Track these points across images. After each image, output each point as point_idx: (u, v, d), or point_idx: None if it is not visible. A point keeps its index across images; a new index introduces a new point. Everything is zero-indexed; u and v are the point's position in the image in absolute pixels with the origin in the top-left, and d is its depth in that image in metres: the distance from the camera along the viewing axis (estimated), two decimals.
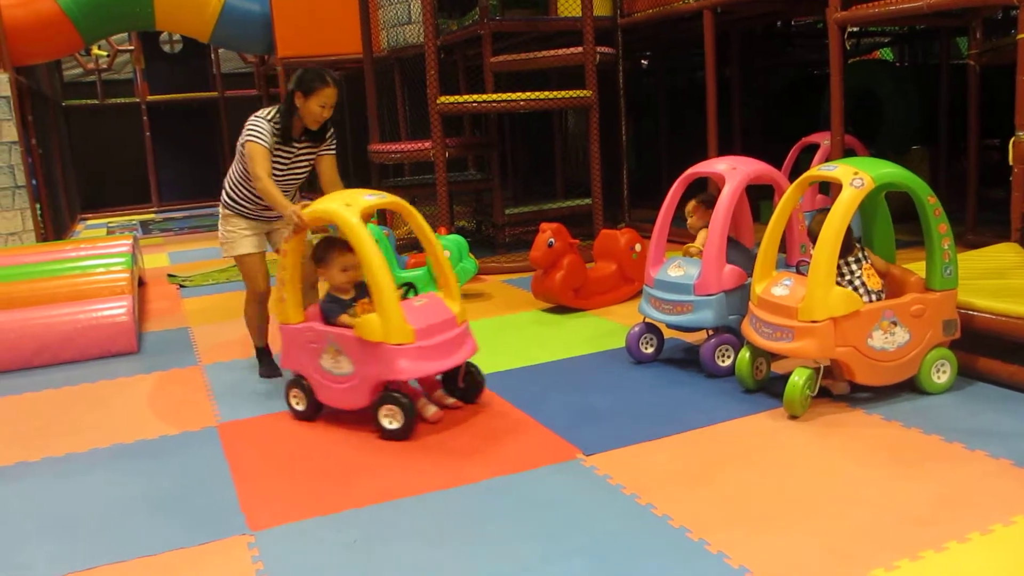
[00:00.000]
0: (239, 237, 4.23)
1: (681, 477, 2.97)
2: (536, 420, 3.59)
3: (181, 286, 7.47)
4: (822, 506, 2.70)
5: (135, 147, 15.43)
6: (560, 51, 7.09)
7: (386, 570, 2.50)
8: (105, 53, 15.20)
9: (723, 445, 3.23)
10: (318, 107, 3.96)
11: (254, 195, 4.11)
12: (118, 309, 5.24)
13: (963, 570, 2.29)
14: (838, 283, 3.50)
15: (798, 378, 3.38)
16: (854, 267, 3.56)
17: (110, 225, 13.27)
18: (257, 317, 4.37)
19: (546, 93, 6.88)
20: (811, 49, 10.96)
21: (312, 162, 4.20)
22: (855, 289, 3.51)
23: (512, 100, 6.76)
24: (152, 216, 14.65)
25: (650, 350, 4.28)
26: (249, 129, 3.98)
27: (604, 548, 2.53)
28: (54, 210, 10.52)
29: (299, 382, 3.73)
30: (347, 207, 3.54)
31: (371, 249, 3.43)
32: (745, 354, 3.71)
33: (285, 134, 4.01)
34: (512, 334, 5.09)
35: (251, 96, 14.78)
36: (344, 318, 3.59)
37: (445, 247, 5.87)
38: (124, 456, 3.53)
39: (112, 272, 5.90)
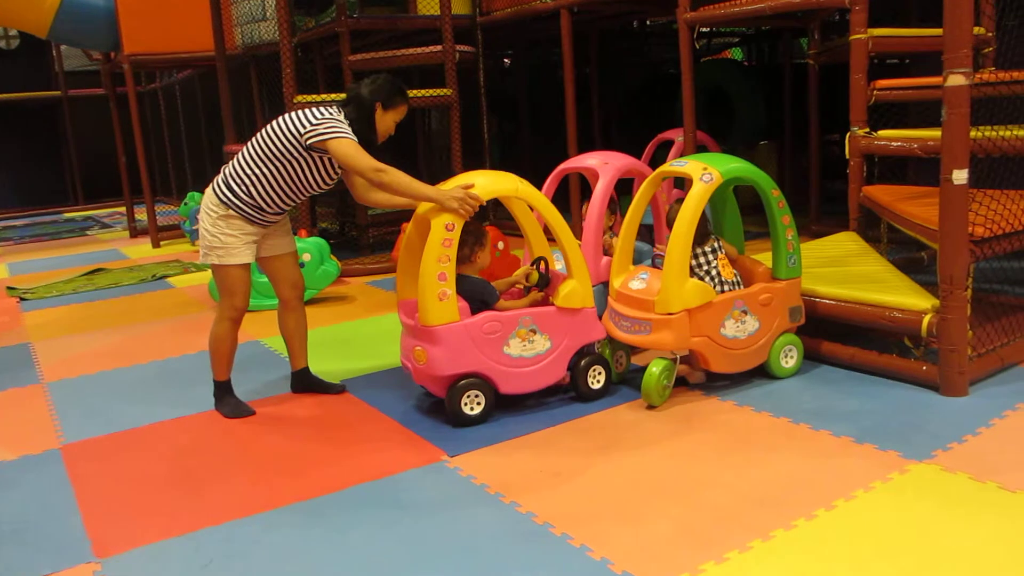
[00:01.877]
0: (240, 244, 3.58)
1: (544, 473, 2.99)
2: (399, 423, 3.54)
3: (22, 299, 7.00)
4: (680, 493, 2.77)
5: None
6: (420, 49, 7.04)
7: None
8: None
9: (585, 439, 3.27)
10: (393, 123, 3.63)
11: (285, 200, 3.58)
12: None
13: (810, 546, 2.40)
14: (695, 273, 3.61)
15: (655, 369, 3.47)
16: (711, 257, 3.68)
17: None
18: (229, 340, 3.73)
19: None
20: (666, 48, 11.32)
21: (336, 176, 3.65)
22: (711, 279, 3.63)
23: None
24: None
25: None
26: (330, 125, 3.40)
27: (470, 549, 2.51)
28: None
29: (473, 383, 3.42)
30: (522, 183, 3.53)
31: (564, 222, 3.54)
32: (606, 348, 3.77)
33: (368, 145, 3.50)
34: (376, 336, 5.01)
35: (97, 95, 14.00)
36: (532, 297, 3.66)
37: (305, 250, 5.74)
38: None
39: None
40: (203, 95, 12.31)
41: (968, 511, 2.53)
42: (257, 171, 3.53)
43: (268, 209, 3.59)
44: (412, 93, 6.79)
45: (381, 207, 3.86)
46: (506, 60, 12.10)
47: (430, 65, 7.14)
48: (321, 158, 3.52)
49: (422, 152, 9.81)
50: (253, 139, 3.60)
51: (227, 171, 3.62)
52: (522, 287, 3.80)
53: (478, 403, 3.43)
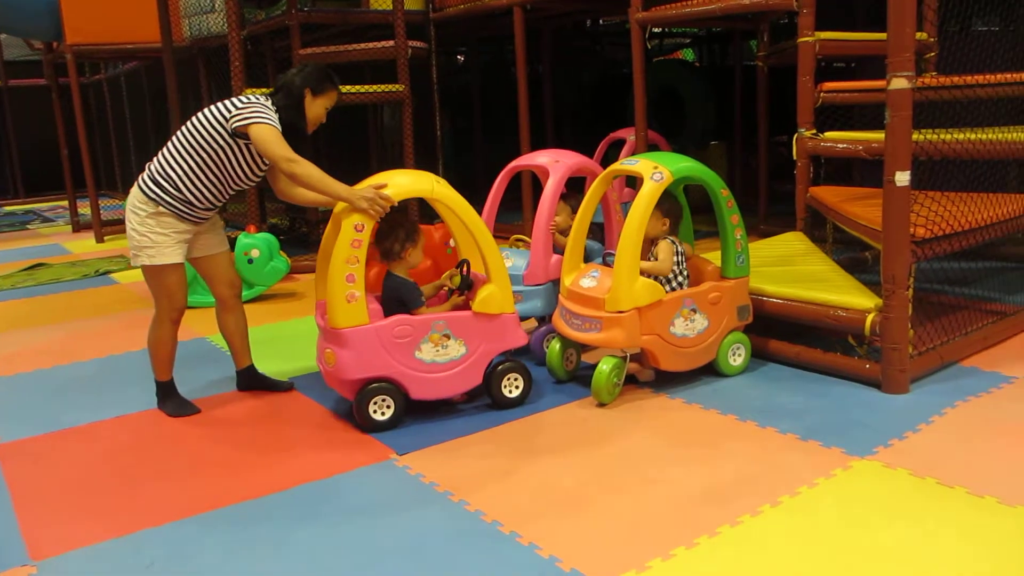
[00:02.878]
0: (169, 243, 3.47)
1: (493, 471, 2.98)
2: (348, 422, 3.50)
3: None
4: (628, 490, 2.78)
5: None
6: (372, 44, 6.99)
7: None
8: None
9: (534, 436, 3.27)
10: (323, 109, 3.55)
11: (214, 193, 3.49)
12: None
13: (755, 541, 2.42)
14: (675, 272, 3.67)
15: (605, 367, 3.48)
16: (682, 256, 3.71)
17: None
18: (170, 342, 3.63)
19: (359, 87, 6.75)
20: (618, 48, 11.39)
21: (265, 168, 3.57)
22: (685, 278, 3.68)
23: None
24: None
25: None
26: (254, 110, 3.34)
27: (419, 548, 2.49)
28: None
29: (382, 388, 3.34)
30: (439, 183, 3.43)
31: (483, 224, 3.45)
32: (556, 345, 3.78)
33: (297, 133, 3.45)
34: None
35: (39, 86, 13.62)
36: (454, 301, 3.60)
37: (254, 246, 5.66)
38: None
39: None
40: (150, 87, 12.06)
41: (908, 507, 2.58)
42: (184, 164, 3.44)
43: (198, 204, 3.49)
44: (364, 89, 6.78)
45: (299, 203, 3.74)
46: (459, 57, 12.07)
47: (382, 61, 7.08)
48: (247, 146, 3.44)
49: (374, 148, 9.73)
50: (178, 132, 3.51)
51: (152, 167, 3.52)
52: (446, 289, 3.76)
53: (388, 407, 3.36)
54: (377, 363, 3.31)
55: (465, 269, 3.62)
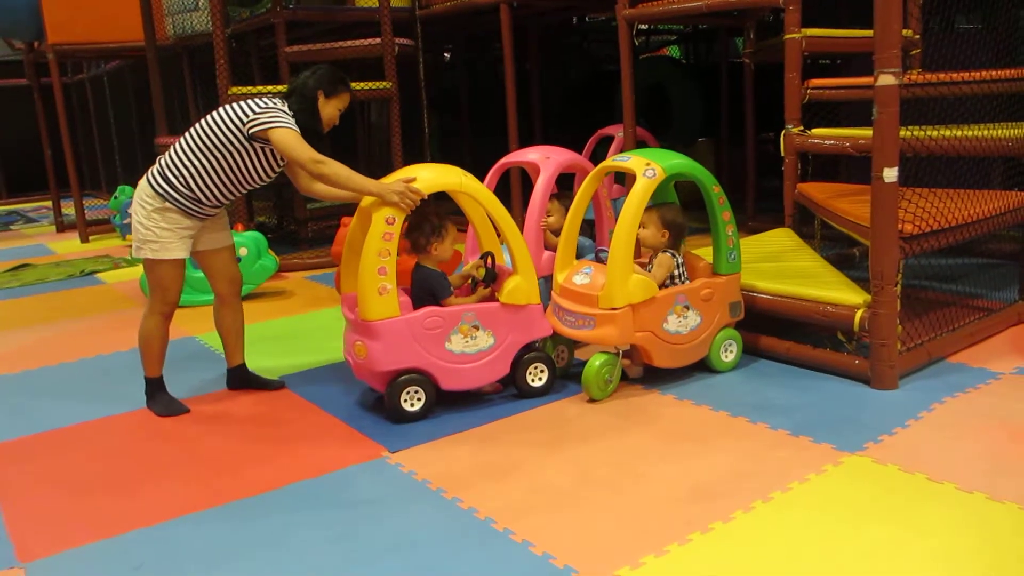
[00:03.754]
0: (176, 238, 3.49)
1: (486, 468, 2.97)
2: (340, 419, 3.49)
3: None
4: (621, 486, 2.78)
5: None
6: (358, 42, 6.96)
7: None
8: None
9: (526, 433, 3.27)
10: (336, 111, 3.57)
11: (224, 193, 3.50)
12: None
13: (747, 537, 2.43)
14: (675, 281, 3.68)
15: (596, 362, 3.49)
16: (682, 274, 3.71)
17: None
18: (161, 337, 3.64)
19: None
20: (605, 45, 11.39)
21: (278, 169, 3.59)
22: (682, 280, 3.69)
23: None
24: None
25: None
26: (273, 115, 3.35)
27: (413, 545, 2.49)
28: None
29: (413, 379, 3.36)
30: (466, 177, 3.49)
31: (509, 217, 3.50)
32: (547, 342, 3.78)
33: (314, 136, 3.47)
34: (315, 331, 4.93)
35: (20, 86, 13.49)
36: (480, 293, 3.62)
37: (242, 244, 5.63)
38: None
39: None
40: (133, 86, 11.96)
41: (898, 502, 2.59)
42: (196, 162, 3.45)
43: (206, 202, 3.50)
44: (351, 86, 6.74)
45: (325, 199, 3.80)
46: (446, 55, 12.04)
47: (369, 59, 7.06)
48: (263, 149, 3.46)
49: (362, 145, 9.70)
50: (191, 129, 3.51)
51: (163, 162, 3.52)
52: (471, 282, 3.77)
53: (418, 399, 3.39)
54: (408, 355, 3.35)
55: (489, 261, 3.64)
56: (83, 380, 4.28)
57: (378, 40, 6.78)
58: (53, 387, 4.20)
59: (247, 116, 3.38)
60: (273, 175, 3.60)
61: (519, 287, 3.50)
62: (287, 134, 3.35)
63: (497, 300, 3.52)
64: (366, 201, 3.40)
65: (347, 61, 6.92)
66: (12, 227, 11.65)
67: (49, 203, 11.38)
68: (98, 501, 2.91)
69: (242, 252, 5.64)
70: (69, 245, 9.29)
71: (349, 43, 6.97)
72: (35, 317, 5.77)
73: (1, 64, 14.36)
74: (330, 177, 3.38)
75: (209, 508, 2.79)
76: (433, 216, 3.57)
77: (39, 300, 6.39)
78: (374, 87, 6.76)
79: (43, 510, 2.87)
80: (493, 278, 3.64)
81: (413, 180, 3.36)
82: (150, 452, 3.31)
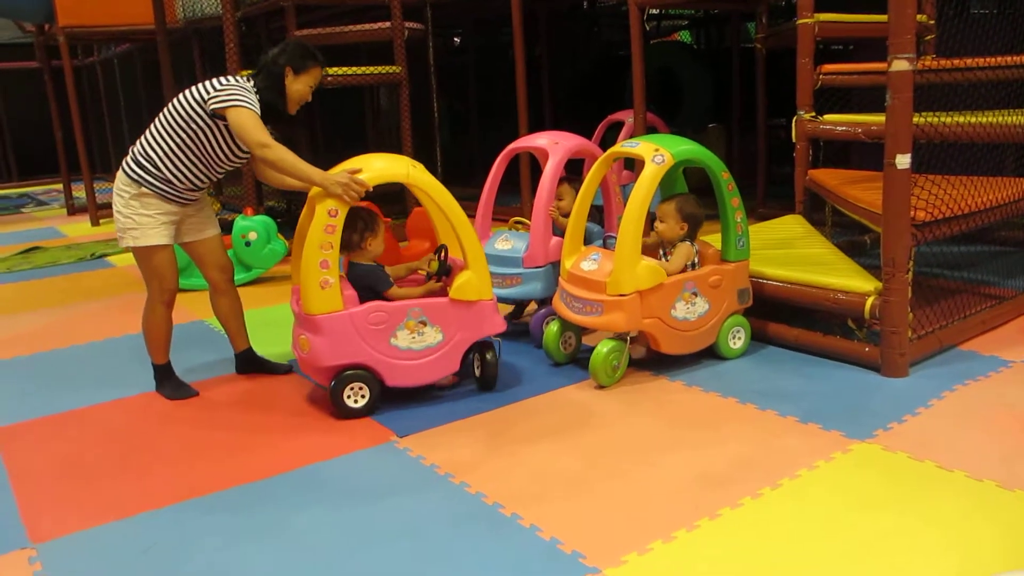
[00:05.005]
0: (154, 224, 3.45)
1: (494, 454, 2.98)
2: None
3: None
4: (629, 473, 2.78)
5: None
6: (368, 25, 6.93)
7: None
8: None
9: (534, 419, 3.27)
10: (307, 88, 3.48)
11: (196, 174, 3.46)
12: None
13: (756, 524, 2.43)
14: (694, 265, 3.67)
15: (603, 348, 3.48)
16: (696, 264, 3.71)
17: None
18: (164, 325, 3.62)
19: (355, 69, 6.71)
20: (616, 30, 11.32)
21: (246, 151, 3.48)
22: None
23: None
24: None
25: None
26: (231, 92, 3.30)
27: (419, 530, 2.49)
28: None
29: (357, 375, 3.31)
30: (414, 167, 3.39)
31: (459, 209, 3.40)
32: (553, 327, 3.77)
33: (278, 114, 3.42)
34: None
35: (31, 69, 13.53)
36: (429, 286, 3.55)
37: (251, 228, 5.64)
38: None
39: None
40: (144, 69, 11.97)
41: (907, 490, 2.58)
42: (164, 144, 3.43)
43: (179, 184, 3.47)
44: (360, 71, 6.73)
45: (278, 187, 3.72)
46: (456, 39, 12.00)
47: (378, 42, 7.04)
48: (227, 127, 3.40)
49: (371, 130, 9.68)
50: (161, 112, 3.49)
51: (135, 149, 3.51)
52: (424, 273, 3.71)
53: (362, 395, 3.33)
54: (352, 350, 3.27)
55: (443, 255, 3.57)
56: (93, 363, 4.30)
57: (388, 24, 6.75)
58: (64, 370, 4.22)
59: (208, 94, 3.34)
60: (243, 156, 3.53)
61: (469, 282, 3.38)
62: (242, 113, 3.27)
63: (445, 295, 3.43)
64: (313, 191, 3.31)
65: (356, 45, 6.90)
66: (23, 210, 11.69)
67: (60, 186, 11.41)
68: (108, 483, 2.93)
69: (252, 236, 5.66)
70: (80, 228, 9.32)
71: (359, 27, 6.94)
72: (46, 300, 5.80)
73: (12, 47, 14.39)
74: (274, 163, 3.30)
75: (218, 491, 2.81)
76: (364, 212, 3.48)
77: (50, 283, 6.42)
78: (383, 71, 6.74)
79: (54, 492, 2.89)
80: (446, 271, 3.55)
81: (359, 171, 3.27)
82: (159, 435, 3.32)
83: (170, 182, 3.45)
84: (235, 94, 3.31)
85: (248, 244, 5.66)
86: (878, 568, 2.19)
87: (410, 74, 6.86)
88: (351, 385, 3.31)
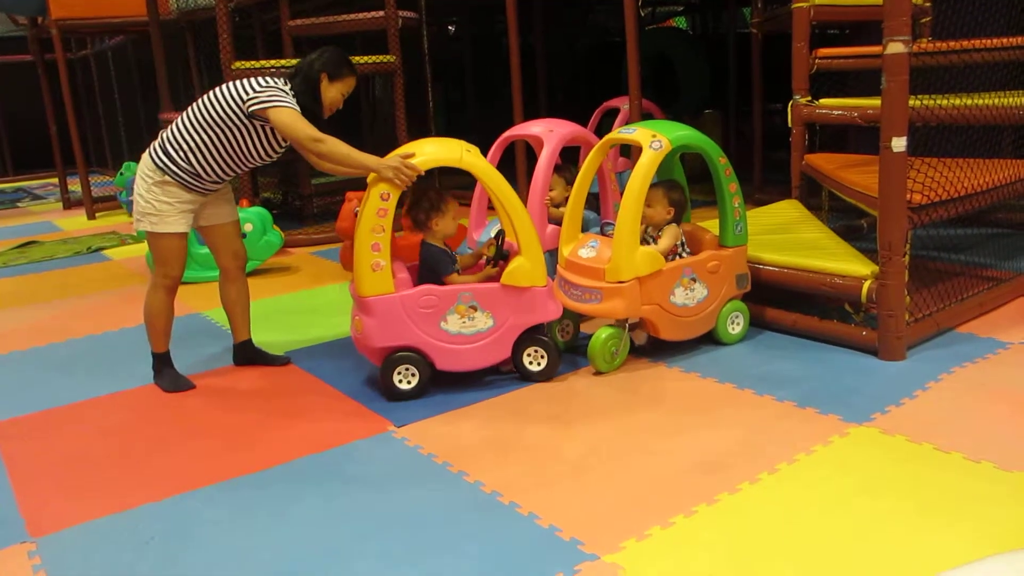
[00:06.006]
0: (175, 212, 3.49)
1: (492, 442, 2.98)
2: (345, 394, 3.50)
3: None
4: (626, 459, 2.78)
5: None
6: (362, 15, 6.90)
7: (184, 568, 2.35)
8: None
9: (532, 407, 3.27)
10: (340, 95, 3.54)
11: (224, 169, 3.50)
12: None
13: (754, 509, 2.43)
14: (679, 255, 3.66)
15: (602, 335, 3.48)
16: (683, 246, 3.70)
17: None
18: (166, 312, 3.64)
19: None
20: (610, 17, 11.28)
21: (281, 148, 3.58)
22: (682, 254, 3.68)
23: None
24: None
25: None
26: (272, 94, 3.34)
27: (419, 519, 2.49)
28: None
29: (407, 357, 3.33)
30: (468, 152, 3.40)
31: (513, 193, 3.38)
32: (555, 326, 3.76)
33: (313, 118, 3.43)
34: (320, 307, 4.94)
35: (24, 62, 13.47)
36: (487, 271, 3.51)
37: (247, 220, 5.63)
38: None
39: None
40: (137, 62, 11.92)
41: (905, 472, 2.59)
42: (197, 138, 3.44)
43: (206, 177, 3.50)
44: (354, 60, 6.69)
45: (334, 174, 3.78)
46: (451, 27, 11.95)
47: (373, 32, 7.01)
48: (263, 127, 3.45)
49: (366, 120, 9.65)
50: (193, 105, 3.50)
51: (165, 136, 3.51)
52: (484, 259, 3.71)
53: (412, 376, 3.36)
54: (402, 332, 3.32)
55: (501, 240, 3.56)
56: (91, 356, 4.30)
57: (382, 13, 6.72)
58: (61, 363, 4.22)
59: (247, 94, 3.37)
60: (275, 154, 3.58)
61: (521, 268, 3.39)
62: (286, 112, 3.34)
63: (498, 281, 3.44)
64: (371, 177, 3.37)
65: (351, 34, 6.88)
66: (19, 204, 11.67)
67: (55, 180, 11.38)
68: (107, 476, 2.93)
69: (247, 228, 5.64)
70: (76, 222, 9.30)
71: (353, 16, 6.91)
72: (42, 294, 5.79)
73: (5, 40, 14.33)
74: (329, 155, 3.39)
75: (217, 483, 2.81)
76: (431, 192, 3.52)
77: (46, 277, 6.40)
78: (378, 61, 6.71)
79: (53, 485, 2.89)
80: (502, 257, 3.55)
81: (411, 156, 3.33)
82: (158, 428, 3.32)
83: (198, 175, 3.48)
84: (274, 95, 3.36)
85: (244, 236, 5.64)
86: (877, 551, 2.20)
87: (405, 63, 6.83)
88: (401, 367, 3.34)
